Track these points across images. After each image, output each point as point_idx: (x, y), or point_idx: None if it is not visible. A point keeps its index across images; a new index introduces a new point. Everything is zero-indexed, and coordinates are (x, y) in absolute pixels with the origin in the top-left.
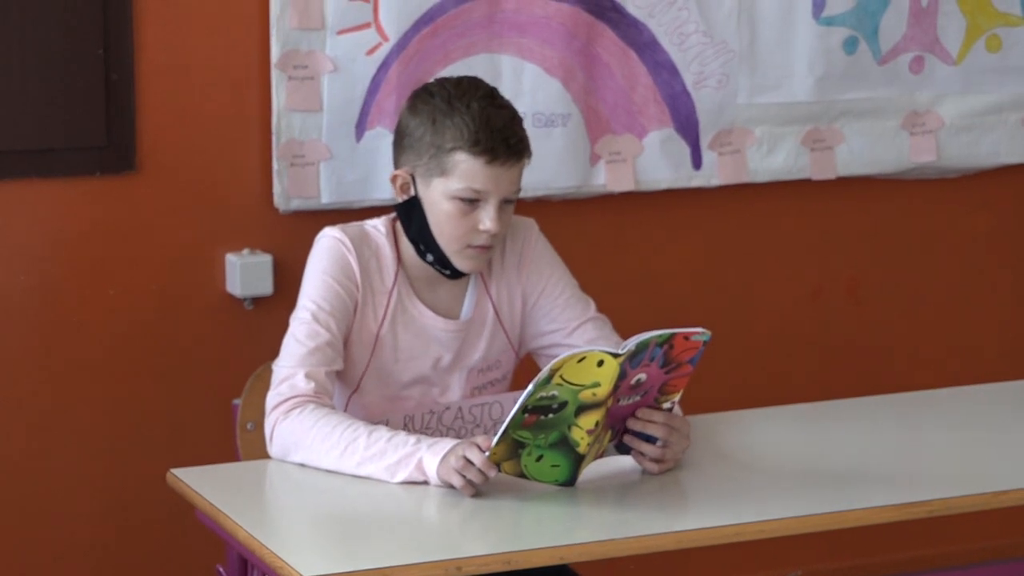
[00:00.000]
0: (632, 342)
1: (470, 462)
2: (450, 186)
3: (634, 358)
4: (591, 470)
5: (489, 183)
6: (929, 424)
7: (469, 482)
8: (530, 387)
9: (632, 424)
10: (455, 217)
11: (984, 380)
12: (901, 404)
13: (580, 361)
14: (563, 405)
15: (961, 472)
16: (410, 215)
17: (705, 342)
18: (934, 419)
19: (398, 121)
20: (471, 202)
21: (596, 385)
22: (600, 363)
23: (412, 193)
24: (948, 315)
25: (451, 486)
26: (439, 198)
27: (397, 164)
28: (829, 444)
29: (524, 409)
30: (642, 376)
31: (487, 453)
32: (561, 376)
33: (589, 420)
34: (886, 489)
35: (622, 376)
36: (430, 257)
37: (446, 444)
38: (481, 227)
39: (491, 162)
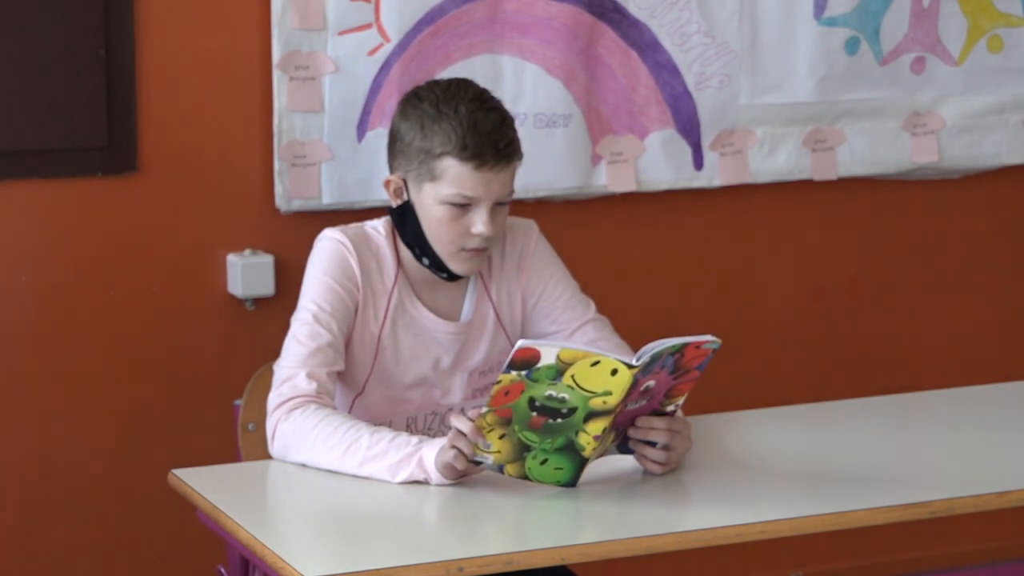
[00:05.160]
0: (647, 354)
1: (460, 432)
2: (441, 192)
3: (646, 367)
4: (592, 470)
5: (479, 188)
6: (931, 425)
7: (461, 453)
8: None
9: (633, 433)
10: (447, 222)
11: (986, 381)
12: (903, 405)
13: (594, 365)
14: (572, 411)
15: (963, 473)
16: (404, 220)
17: (714, 350)
18: (936, 420)
19: (391, 125)
20: (463, 206)
21: (607, 394)
22: (614, 372)
23: (405, 198)
24: (950, 316)
25: (449, 476)
26: (431, 203)
27: (390, 169)
28: (831, 445)
29: (532, 404)
30: (651, 383)
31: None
32: (574, 379)
33: (597, 427)
34: (888, 490)
35: (633, 385)
36: (426, 261)
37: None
38: (474, 231)
39: (480, 167)
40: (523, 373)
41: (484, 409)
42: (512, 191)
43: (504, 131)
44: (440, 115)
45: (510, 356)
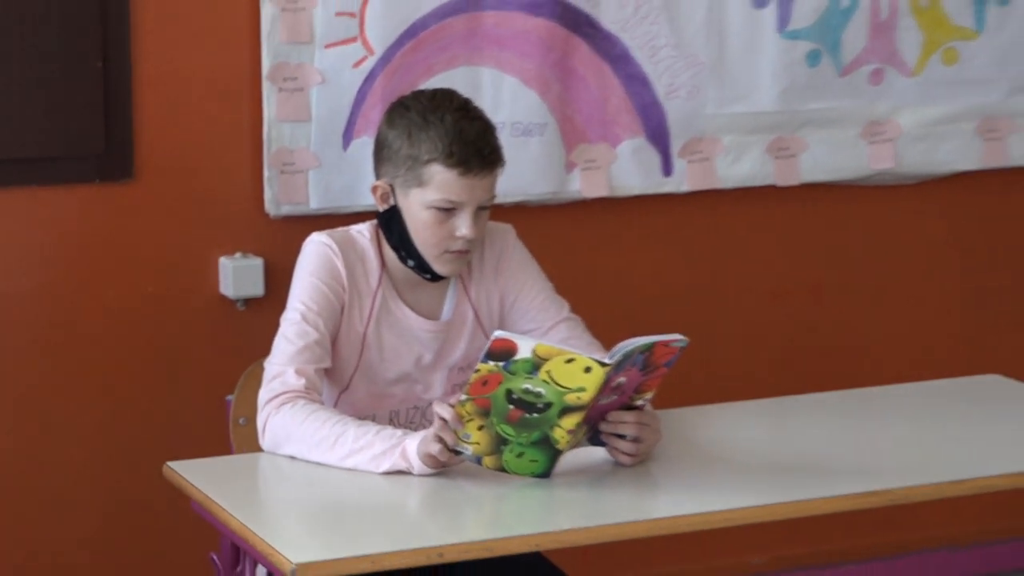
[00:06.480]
0: (619, 352)
1: (444, 423)
2: (427, 196)
3: (618, 365)
4: (566, 462)
5: (464, 193)
6: (887, 417)
7: (444, 445)
8: (519, 341)
9: (605, 427)
10: (433, 225)
11: (941, 376)
12: (861, 399)
13: (569, 362)
14: (548, 406)
15: (919, 462)
16: (391, 223)
17: (682, 348)
18: (892, 413)
19: (377, 133)
20: (448, 211)
21: (581, 390)
22: (588, 369)
23: (392, 203)
24: (905, 315)
25: (430, 466)
26: (417, 208)
27: (377, 175)
28: (793, 437)
29: (509, 397)
30: (623, 380)
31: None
32: (550, 374)
33: (571, 421)
34: (847, 479)
35: (606, 381)
36: (411, 263)
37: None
38: (458, 234)
39: (465, 173)
40: (500, 364)
41: (463, 397)
42: (494, 196)
43: (488, 139)
44: (427, 124)
45: (487, 346)
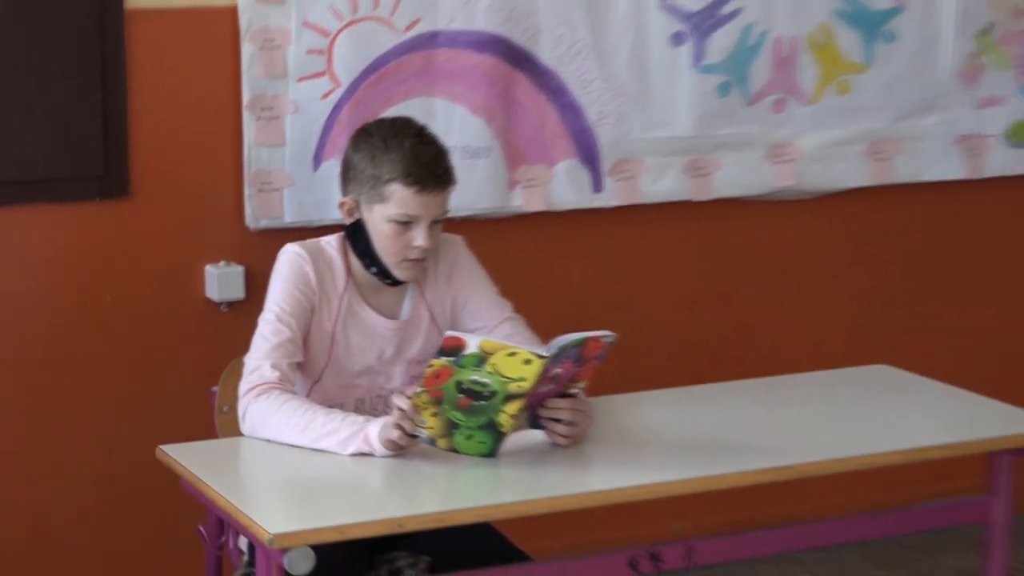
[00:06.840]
0: (556, 346)
1: (403, 413)
2: (387, 211)
3: (555, 358)
4: (510, 443)
5: (420, 208)
6: (790, 403)
7: (403, 431)
8: (470, 340)
9: (543, 412)
10: (392, 237)
11: (833, 366)
12: (767, 387)
13: (511, 355)
14: (493, 394)
15: (817, 441)
16: (356, 235)
17: (611, 342)
18: (794, 399)
19: (344, 156)
20: (406, 224)
21: (522, 380)
22: (528, 361)
23: (357, 217)
24: (804, 313)
25: (390, 449)
26: (379, 221)
27: (344, 192)
28: (708, 420)
29: (459, 387)
30: (559, 371)
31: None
32: (494, 366)
33: (513, 407)
34: (755, 456)
35: (544, 372)
36: (374, 269)
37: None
38: (415, 244)
39: (421, 191)
40: (451, 359)
41: (419, 389)
42: (447, 211)
43: (441, 161)
44: (388, 148)
45: (440, 344)
